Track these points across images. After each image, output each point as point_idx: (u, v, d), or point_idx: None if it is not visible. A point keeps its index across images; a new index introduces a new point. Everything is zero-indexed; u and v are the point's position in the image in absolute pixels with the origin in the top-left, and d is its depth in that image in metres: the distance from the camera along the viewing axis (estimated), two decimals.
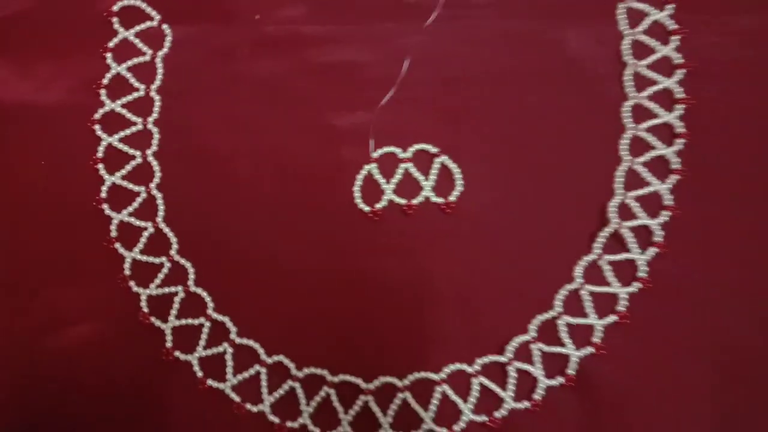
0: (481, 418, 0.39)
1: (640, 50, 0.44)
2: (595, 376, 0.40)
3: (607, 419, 0.39)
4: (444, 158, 0.43)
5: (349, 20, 0.44)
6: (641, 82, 0.44)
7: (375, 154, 0.43)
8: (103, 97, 0.44)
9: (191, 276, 0.42)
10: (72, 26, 0.45)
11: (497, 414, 0.40)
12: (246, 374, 0.40)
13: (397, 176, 0.43)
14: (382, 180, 0.42)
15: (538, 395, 0.40)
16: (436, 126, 0.43)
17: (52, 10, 0.45)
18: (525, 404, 0.40)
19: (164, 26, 0.45)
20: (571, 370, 0.40)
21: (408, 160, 0.43)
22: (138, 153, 0.43)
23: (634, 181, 0.42)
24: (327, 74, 0.44)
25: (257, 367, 0.40)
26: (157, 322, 0.41)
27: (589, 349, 0.40)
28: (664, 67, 0.44)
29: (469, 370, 0.40)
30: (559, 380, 0.40)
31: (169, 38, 0.45)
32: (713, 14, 0.44)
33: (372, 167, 0.43)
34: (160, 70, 0.44)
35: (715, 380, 0.40)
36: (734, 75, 0.43)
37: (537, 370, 0.40)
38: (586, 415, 0.39)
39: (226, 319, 0.41)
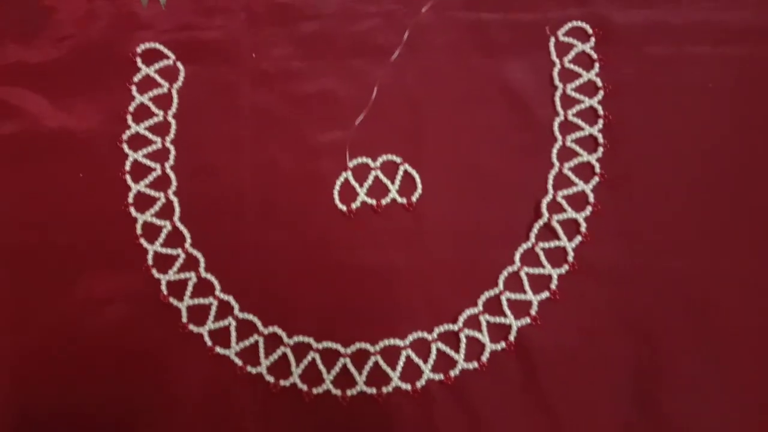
0: (438, 377, 0.46)
1: (569, 75, 0.52)
2: (532, 341, 0.47)
3: (541, 377, 0.46)
4: (407, 166, 0.50)
5: (329, 57, 0.52)
6: (569, 102, 0.52)
7: (350, 164, 0.50)
8: (129, 122, 0.51)
9: (202, 264, 0.48)
10: (103, 65, 0.52)
11: (451, 373, 0.46)
12: (247, 342, 0.47)
13: (369, 181, 0.50)
14: (356, 184, 0.50)
15: (484, 358, 0.47)
16: (400, 141, 0.51)
17: (85, 54, 0.52)
18: (474, 365, 0.47)
19: (179, 64, 0.53)
20: (511, 337, 0.47)
21: (377, 168, 0.51)
22: (158, 166, 0.50)
23: (563, 182, 0.50)
24: (310, 100, 0.51)
25: (256, 336, 0.47)
26: (174, 302, 0.48)
27: (527, 320, 0.48)
28: (588, 89, 0.52)
29: (429, 337, 0.47)
30: (502, 345, 0.47)
31: (182, 74, 0.52)
32: (629, 45, 0.52)
33: (348, 174, 0.50)
34: (175, 100, 0.52)
35: (628, 344, 0.46)
36: (646, 95, 0.51)
37: (484, 337, 0.47)
38: (524, 374, 0.46)
39: (230, 298, 0.48)
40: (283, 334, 0.47)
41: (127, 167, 0.51)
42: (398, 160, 0.51)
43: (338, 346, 0.47)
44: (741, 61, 0.51)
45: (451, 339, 0.48)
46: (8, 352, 0.47)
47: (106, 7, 0.54)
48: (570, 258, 0.49)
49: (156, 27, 0.53)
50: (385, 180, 0.50)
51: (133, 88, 0.52)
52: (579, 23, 0.53)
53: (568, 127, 0.52)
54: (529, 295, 0.48)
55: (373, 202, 0.50)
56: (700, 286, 0.48)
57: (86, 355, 0.47)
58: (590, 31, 0.53)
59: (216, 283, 0.48)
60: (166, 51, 0.53)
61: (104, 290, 0.48)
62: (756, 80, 0.51)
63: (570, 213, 0.50)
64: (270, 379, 0.47)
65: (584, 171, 0.50)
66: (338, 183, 0.50)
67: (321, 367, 0.47)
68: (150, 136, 0.52)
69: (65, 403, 0.46)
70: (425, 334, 0.47)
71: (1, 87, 0.52)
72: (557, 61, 0.53)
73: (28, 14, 0.53)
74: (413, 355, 0.47)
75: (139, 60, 0.53)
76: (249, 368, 0.47)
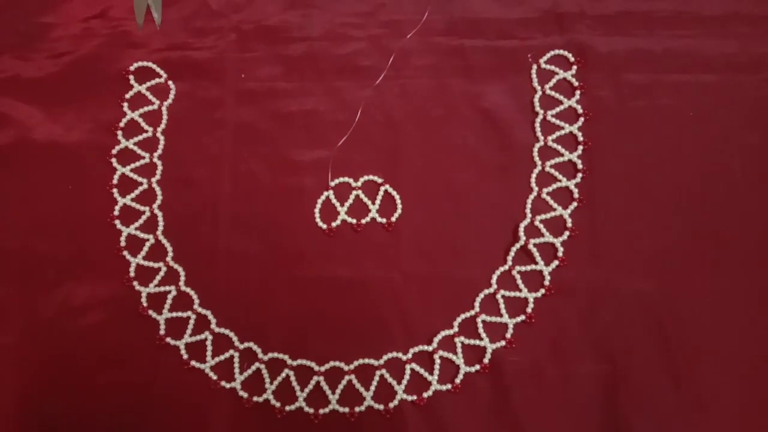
0: (412, 397, 0.46)
1: (549, 102, 0.53)
2: (506, 364, 0.47)
3: (513, 400, 0.46)
4: (387, 187, 0.51)
5: (314, 78, 0.53)
6: (549, 128, 0.53)
7: (332, 183, 0.51)
8: (120, 137, 0.52)
9: (182, 278, 0.49)
10: (97, 82, 0.54)
11: (425, 394, 0.47)
12: (222, 357, 0.47)
13: (350, 201, 0.51)
14: (337, 203, 0.51)
15: (458, 379, 0.47)
16: (382, 161, 0.52)
17: (80, 70, 0.54)
18: (447, 386, 0.47)
19: (170, 82, 0.54)
20: (486, 360, 0.47)
21: (358, 188, 0.51)
22: (145, 180, 0.52)
23: (541, 206, 0.51)
24: (294, 120, 0.52)
25: (231, 351, 0.48)
26: (153, 314, 0.48)
27: (502, 343, 0.48)
28: (569, 115, 0.53)
29: (403, 357, 0.47)
30: (476, 367, 0.47)
31: (173, 92, 0.54)
32: (609, 73, 0.53)
33: (329, 193, 0.51)
34: (165, 116, 0.53)
35: (600, 367, 0.46)
36: (625, 122, 0.52)
37: (458, 359, 0.47)
38: (497, 396, 0.46)
39: (208, 313, 0.48)
40: (259, 350, 0.48)
41: (115, 181, 0.52)
42: (379, 180, 0.51)
43: (313, 364, 0.47)
44: (719, 89, 0.52)
45: (426, 360, 0.48)
46: None
47: (101, 26, 0.55)
48: (546, 282, 0.49)
49: (149, 46, 0.55)
50: (365, 200, 0.51)
51: (125, 105, 0.54)
52: (561, 51, 0.54)
53: (547, 152, 0.52)
54: (505, 318, 0.48)
55: (353, 221, 0.51)
56: (674, 311, 0.48)
57: (60, 361, 0.47)
58: (572, 59, 0.54)
59: (195, 297, 0.49)
60: (158, 69, 0.55)
61: (83, 299, 0.48)
62: (733, 107, 0.52)
63: (547, 237, 0.50)
64: (243, 394, 0.47)
65: (563, 196, 0.51)
66: (320, 202, 0.51)
67: (295, 384, 0.47)
68: (139, 151, 0.53)
69: (36, 405, 0.46)
70: (400, 355, 0.48)
71: None
72: (539, 87, 0.54)
73: (26, 30, 0.55)
74: (387, 375, 0.47)
75: (131, 78, 0.54)
76: (223, 383, 0.47)
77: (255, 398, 0.47)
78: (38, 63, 0.54)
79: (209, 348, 0.48)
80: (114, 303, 0.49)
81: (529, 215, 0.51)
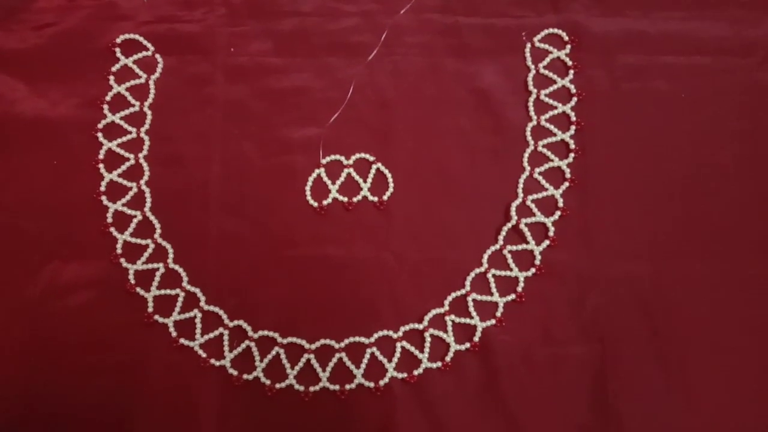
0: (402, 375, 0.47)
1: (543, 81, 0.53)
2: (496, 343, 0.47)
3: (502, 378, 0.46)
4: (379, 165, 0.51)
5: (305, 54, 0.52)
6: (543, 107, 0.53)
7: (323, 161, 0.51)
8: (106, 111, 0.51)
9: (171, 255, 0.49)
10: (82, 55, 0.52)
11: (415, 372, 0.47)
12: (212, 335, 0.47)
13: (341, 179, 0.50)
14: (328, 182, 0.50)
15: (448, 358, 0.47)
16: (374, 139, 0.51)
17: (65, 43, 0.52)
18: (438, 364, 0.47)
19: (157, 56, 0.53)
20: (476, 338, 0.48)
21: (350, 166, 0.51)
22: (132, 156, 0.51)
23: (533, 186, 0.51)
24: (285, 96, 0.52)
25: (221, 329, 0.47)
26: (141, 292, 0.48)
27: (492, 321, 0.48)
28: (562, 95, 0.53)
29: (394, 335, 0.47)
30: (467, 346, 0.47)
31: (160, 65, 0.53)
32: (604, 53, 0.53)
33: (321, 171, 0.51)
34: (152, 91, 0.52)
35: (588, 347, 0.47)
36: (618, 102, 0.52)
37: (449, 337, 0.48)
38: (486, 375, 0.47)
39: (197, 290, 0.48)
40: (249, 328, 0.47)
41: (101, 156, 0.51)
42: (371, 158, 0.51)
43: (303, 342, 0.47)
44: (712, 72, 0.52)
45: (416, 338, 0.48)
46: None
47: None
48: (537, 261, 0.49)
49: (136, 18, 0.54)
50: (357, 178, 0.51)
51: (111, 78, 0.52)
52: (555, 30, 0.54)
53: (540, 132, 0.52)
54: (496, 297, 0.49)
55: (345, 199, 0.50)
56: (664, 293, 0.48)
57: (48, 340, 0.47)
58: (566, 38, 0.54)
59: (184, 274, 0.49)
60: (145, 42, 0.53)
61: (70, 277, 0.48)
62: (725, 91, 0.52)
63: (539, 217, 0.50)
64: (233, 372, 0.47)
65: (555, 176, 0.51)
66: (311, 179, 0.50)
67: (285, 362, 0.47)
68: (125, 126, 0.52)
69: (23, 385, 0.46)
70: (390, 333, 0.48)
71: None
72: (532, 66, 0.53)
73: (8, 1, 0.53)
74: (378, 353, 0.47)
75: (118, 50, 0.53)
76: (213, 361, 0.47)
77: (245, 376, 0.46)
78: (21, 34, 0.53)
79: (198, 326, 0.47)
80: (101, 280, 0.48)
81: (520, 195, 0.50)
